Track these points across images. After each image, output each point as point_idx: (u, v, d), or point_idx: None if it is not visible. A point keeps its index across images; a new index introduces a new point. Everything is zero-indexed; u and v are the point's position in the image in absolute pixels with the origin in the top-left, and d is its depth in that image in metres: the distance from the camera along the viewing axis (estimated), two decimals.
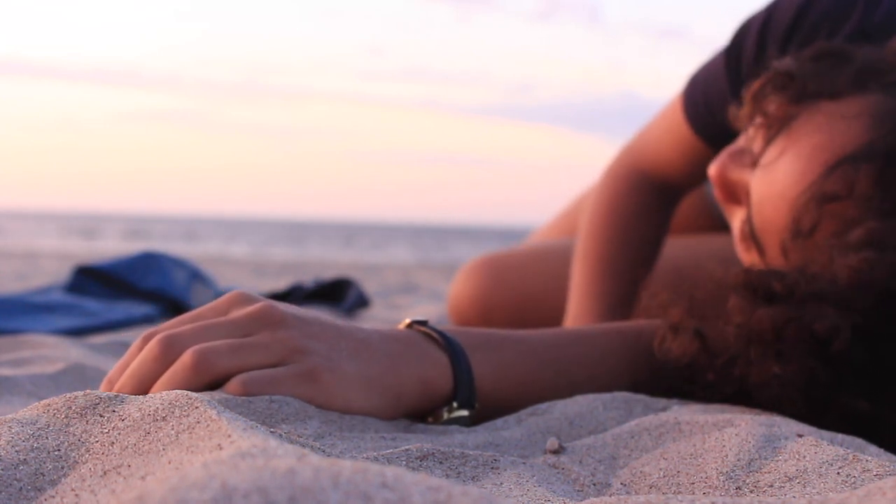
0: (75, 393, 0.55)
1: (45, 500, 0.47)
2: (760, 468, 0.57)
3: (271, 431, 0.54)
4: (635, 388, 0.79)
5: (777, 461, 0.58)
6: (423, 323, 0.74)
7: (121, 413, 0.53)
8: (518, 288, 1.39)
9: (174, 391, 0.53)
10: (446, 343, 0.72)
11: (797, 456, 0.57)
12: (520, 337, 0.77)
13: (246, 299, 0.68)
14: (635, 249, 1.12)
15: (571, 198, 1.74)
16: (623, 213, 1.14)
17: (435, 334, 0.73)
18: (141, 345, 0.67)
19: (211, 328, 0.66)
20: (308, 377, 0.65)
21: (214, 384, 0.64)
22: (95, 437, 0.51)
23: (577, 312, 1.11)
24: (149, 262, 1.73)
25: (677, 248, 1.38)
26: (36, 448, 0.51)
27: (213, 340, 0.65)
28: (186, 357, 0.63)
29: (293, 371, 0.65)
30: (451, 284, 1.54)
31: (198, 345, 0.64)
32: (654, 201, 1.15)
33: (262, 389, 0.64)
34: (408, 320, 0.75)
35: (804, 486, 0.55)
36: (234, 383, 0.64)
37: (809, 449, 0.58)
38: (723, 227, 1.50)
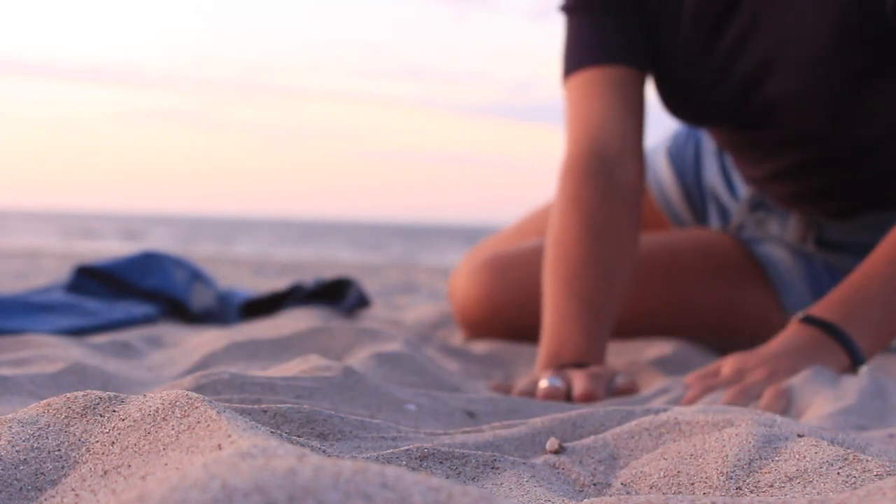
0: (75, 393, 0.55)
1: (46, 499, 0.47)
2: (760, 468, 0.57)
3: (271, 431, 0.54)
4: None
5: (777, 461, 0.58)
6: (810, 319, 1.01)
7: (121, 413, 0.53)
8: (524, 285, 1.39)
9: (174, 391, 0.53)
10: (841, 340, 1.00)
11: (797, 456, 0.57)
12: (872, 285, 1.03)
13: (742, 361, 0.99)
14: (615, 262, 1.11)
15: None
16: (597, 234, 1.12)
17: (831, 334, 1.01)
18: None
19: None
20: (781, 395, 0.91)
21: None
22: (96, 436, 0.51)
23: (559, 324, 1.07)
24: (149, 261, 1.73)
25: (669, 241, 1.41)
26: (36, 448, 0.51)
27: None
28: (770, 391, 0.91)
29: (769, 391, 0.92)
30: (453, 282, 1.54)
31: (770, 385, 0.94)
32: (621, 210, 1.15)
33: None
34: (801, 314, 1.02)
35: (804, 486, 0.55)
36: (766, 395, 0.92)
37: (809, 449, 0.58)
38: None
